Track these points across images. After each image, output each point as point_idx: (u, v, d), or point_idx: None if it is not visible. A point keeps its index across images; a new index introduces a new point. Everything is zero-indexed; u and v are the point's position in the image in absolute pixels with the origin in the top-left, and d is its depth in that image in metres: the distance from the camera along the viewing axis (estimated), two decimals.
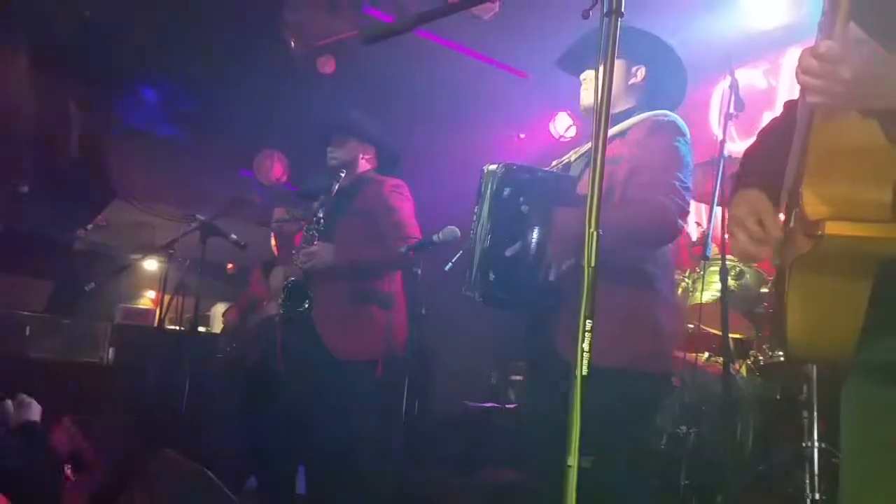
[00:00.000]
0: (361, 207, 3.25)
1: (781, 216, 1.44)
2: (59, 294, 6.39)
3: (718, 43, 4.14)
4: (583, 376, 1.22)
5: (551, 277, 2.07)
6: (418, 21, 1.65)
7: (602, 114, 1.34)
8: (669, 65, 2.39)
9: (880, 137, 1.19)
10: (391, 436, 3.41)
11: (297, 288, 3.19)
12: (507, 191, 2.12)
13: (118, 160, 6.64)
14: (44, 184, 6.27)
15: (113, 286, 6.52)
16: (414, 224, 3.23)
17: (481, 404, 4.74)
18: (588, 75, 2.40)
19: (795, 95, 1.37)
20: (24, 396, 2.76)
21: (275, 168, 6.67)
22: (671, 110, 2.34)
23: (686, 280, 3.62)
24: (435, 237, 2.92)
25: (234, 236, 4.34)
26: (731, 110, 3.28)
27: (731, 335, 3.11)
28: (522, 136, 5.89)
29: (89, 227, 6.77)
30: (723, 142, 3.25)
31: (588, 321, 1.24)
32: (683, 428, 3.27)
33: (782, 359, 3.25)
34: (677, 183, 2.16)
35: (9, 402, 2.70)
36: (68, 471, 2.74)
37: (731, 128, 3.44)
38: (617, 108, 2.27)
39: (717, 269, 3.28)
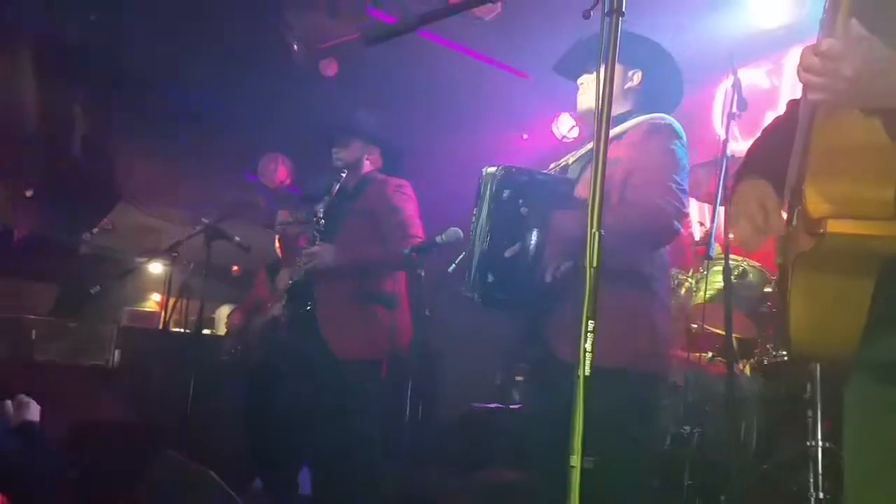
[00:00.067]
0: (364, 207, 3.25)
1: (784, 214, 1.44)
2: (65, 297, 6.41)
3: (721, 42, 4.13)
4: (585, 377, 1.23)
5: (549, 279, 2.08)
6: (420, 22, 1.65)
7: (603, 113, 1.35)
8: (666, 69, 2.41)
9: (882, 135, 1.18)
10: (396, 436, 3.42)
11: (299, 288, 3.20)
12: (506, 193, 2.13)
13: (123, 164, 6.68)
14: (49, 187, 6.31)
15: (118, 289, 6.54)
16: (417, 224, 3.23)
17: (486, 405, 4.74)
18: (585, 79, 2.42)
19: (798, 95, 1.37)
20: (23, 397, 2.77)
21: (279, 171, 6.69)
22: (668, 114, 2.36)
23: (689, 280, 3.62)
24: (438, 238, 2.92)
25: (238, 239, 4.36)
26: (734, 110, 3.27)
27: (734, 335, 3.11)
28: (525, 136, 5.91)
29: (95, 230, 6.79)
30: (725, 141, 3.24)
31: (590, 322, 1.25)
32: (687, 428, 3.27)
33: (786, 358, 3.24)
34: (674, 185, 2.18)
35: (8, 403, 2.72)
36: None
37: (734, 127, 3.44)
38: (614, 112, 2.26)
39: (720, 268, 3.28)
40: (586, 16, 1.45)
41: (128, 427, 4.26)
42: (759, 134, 1.70)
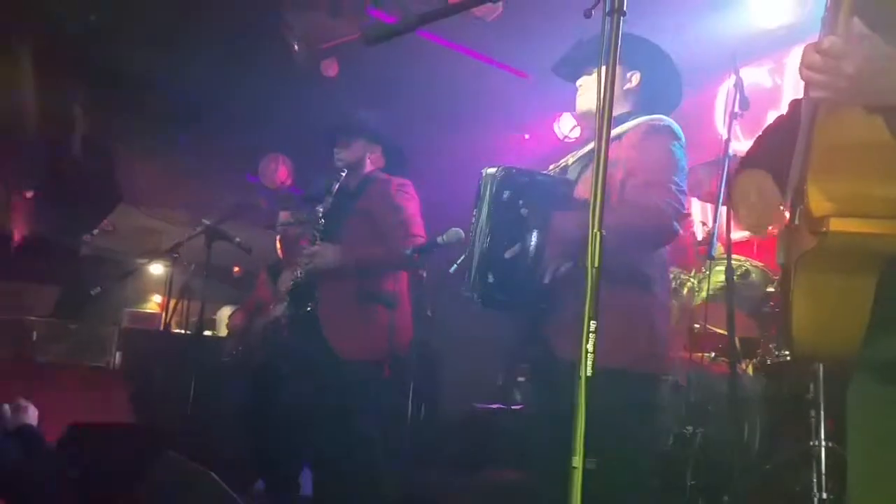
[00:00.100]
0: (366, 207, 3.25)
1: (786, 213, 1.44)
2: (66, 299, 6.41)
3: (723, 42, 4.15)
4: (587, 377, 1.22)
5: (548, 280, 2.09)
6: (420, 22, 1.65)
7: (604, 113, 1.35)
8: (664, 70, 2.42)
9: (885, 133, 1.19)
10: (397, 437, 3.42)
11: (300, 289, 3.20)
12: (506, 194, 2.14)
13: (124, 165, 6.68)
14: (50, 189, 6.31)
15: (119, 291, 6.54)
16: (419, 223, 3.23)
17: (487, 405, 4.74)
18: (584, 81, 2.43)
19: (801, 94, 1.37)
20: (21, 400, 2.77)
21: (279, 172, 6.70)
22: (667, 115, 2.36)
23: (692, 280, 3.62)
24: (439, 239, 2.93)
25: (239, 240, 4.36)
26: (736, 109, 3.27)
27: (737, 335, 3.11)
28: (527, 136, 5.91)
29: (95, 231, 6.80)
30: (728, 141, 3.24)
31: (592, 322, 1.24)
32: (690, 428, 3.27)
33: (788, 358, 3.24)
34: (673, 186, 2.18)
35: (6, 407, 2.71)
36: None
37: (736, 127, 3.44)
38: (613, 113, 2.28)
39: (722, 268, 3.27)
40: (587, 15, 1.45)
41: (129, 428, 4.26)
42: (760, 133, 1.70)
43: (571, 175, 2.33)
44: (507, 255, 2.11)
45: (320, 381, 3.16)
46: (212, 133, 6.11)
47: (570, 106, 2.51)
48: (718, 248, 3.30)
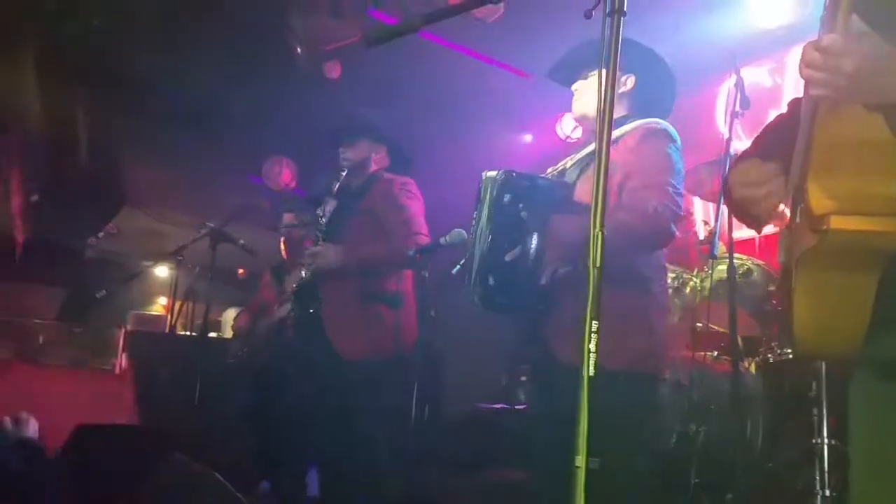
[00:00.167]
0: (370, 206, 3.25)
1: (787, 211, 1.45)
2: (71, 302, 6.45)
3: (723, 42, 4.15)
4: (589, 377, 1.23)
5: (545, 282, 2.11)
6: (421, 23, 1.66)
7: (605, 114, 1.37)
8: (658, 74, 2.43)
9: (885, 131, 1.19)
10: (402, 437, 3.42)
11: (304, 290, 3.21)
12: (507, 197, 2.15)
13: (128, 168, 6.71)
14: (55, 192, 6.33)
15: (124, 293, 6.57)
16: (422, 222, 3.23)
17: (491, 405, 4.75)
18: (579, 85, 2.44)
19: (801, 93, 1.37)
20: (23, 413, 2.78)
21: (283, 174, 6.72)
22: (661, 118, 2.37)
23: (694, 279, 3.63)
24: (442, 240, 2.94)
25: (243, 242, 4.38)
26: (737, 109, 3.29)
27: (739, 334, 3.12)
28: (529, 137, 5.92)
29: (100, 235, 6.82)
30: (729, 140, 3.26)
31: (594, 322, 1.25)
32: (693, 427, 3.27)
33: (791, 356, 3.25)
34: (670, 189, 2.20)
35: (7, 420, 2.72)
36: None
37: (737, 126, 3.45)
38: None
39: (724, 267, 3.28)
40: (588, 16, 1.45)
41: (135, 430, 4.28)
42: (759, 132, 1.71)
43: (569, 178, 2.35)
44: (508, 257, 2.12)
45: (325, 382, 3.17)
46: (215, 135, 6.12)
47: (571, 106, 2.53)
48: (720, 247, 3.31)
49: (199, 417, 3.95)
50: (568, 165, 2.41)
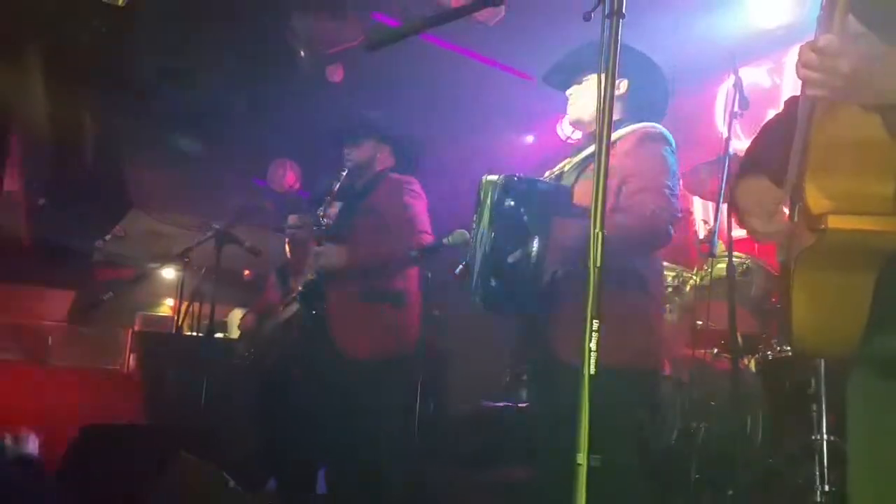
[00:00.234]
0: (373, 205, 3.26)
1: (786, 210, 1.46)
2: (80, 304, 6.48)
3: (722, 42, 4.16)
4: (590, 375, 1.24)
5: (550, 284, 2.14)
6: (422, 27, 1.68)
7: (604, 114, 1.39)
8: (650, 77, 2.45)
9: (881, 131, 1.20)
10: (407, 434, 3.45)
11: (310, 290, 3.24)
12: (508, 201, 2.18)
13: (134, 171, 6.75)
14: (62, 196, 6.38)
15: (131, 295, 6.61)
16: (425, 221, 3.23)
17: (495, 403, 4.77)
18: (574, 90, 2.47)
19: (799, 93, 1.39)
20: (23, 431, 2.80)
21: (287, 176, 6.75)
22: (656, 121, 2.40)
23: (694, 277, 3.65)
24: (445, 240, 2.95)
25: (248, 243, 4.41)
26: (736, 109, 3.30)
27: (738, 331, 3.14)
28: (531, 138, 5.94)
29: (107, 237, 6.86)
30: (728, 140, 3.28)
31: (595, 321, 1.27)
32: (693, 423, 3.29)
33: (790, 353, 3.27)
34: (667, 191, 2.23)
35: (7, 437, 2.74)
36: None
37: (736, 126, 3.48)
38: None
39: (724, 265, 3.30)
40: (587, 18, 1.47)
41: (143, 429, 4.32)
42: (757, 133, 1.73)
43: (567, 181, 2.37)
44: (511, 259, 2.15)
45: (330, 381, 3.18)
46: (220, 138, 6.17)
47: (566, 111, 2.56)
48: (720, 246, 3.34)
49: (206, 417, 3.98)
50: (566, 169, 2.43)
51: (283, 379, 3.90)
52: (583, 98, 2.44)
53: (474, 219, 2.34)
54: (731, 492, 3.03)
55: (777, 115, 1.69)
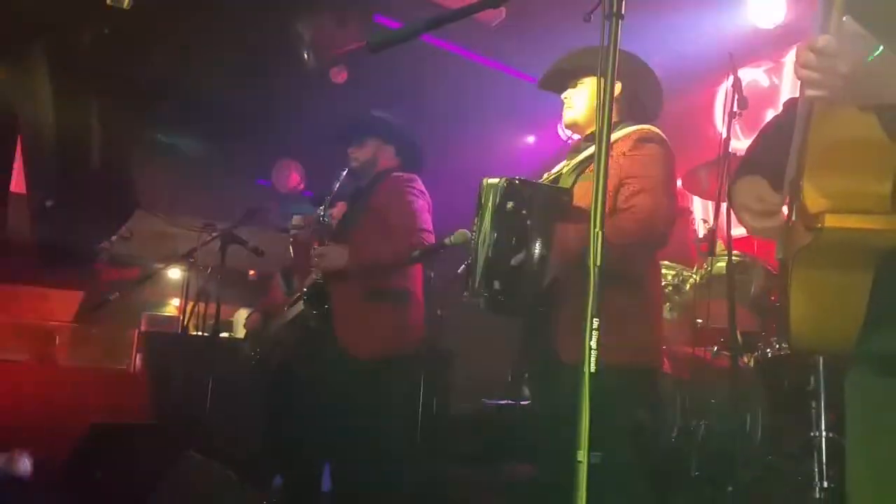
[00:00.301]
0: (375, 204, 3.26)
1: (784, 209, 1.47)
2: (87, 304, 6.53)
3: (721, 42, 4.17)
4: (590, 373, 1.25)
5: (552, 285, 2.15)
6: (423, 28, 1.68)
7: (604, 115, 1.40)
8: (644, 80, 2.46)
9: (879, 131, 1.22)
10: (410, 433, 3.47)
11: (315, 290, 3.26)
12: (510, 204, 2.19)
13: (139, 172, 6.79)
14: (68, 197, 6.42)
15: (138, 295, 6.64)
16: (427, 219, 3.22)
17: (497, 402, 4.79)
18: (569, 94, 2.48)
19: (798, 93, 1.39)
20: (16, 452, 2.79)
21: (291, 177, 6.79)
22: (650, 123, 2.41)
23: (694, 276, 3.67)
24: (447, 240, 2.97)
25: (251, 244, 4.44)
26: (735, 109, 3.32)
27: (738, 330, 3.17)
28: (531, 139, 5.96)
29: (113, 238, 6.90)
30: (727, 139, 3.30)
31: (595, 319, 1.28)
32: (693, 421, 3.31)
33: (789, 351, 3.29)
34: (663, 192, 2.25)
35: (1, 457, 2.73)
36: None
37: (735, 126, 3.50)
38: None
39: (723, 264, 3.33)
40: (587, 19, 1.48)
41: (150, 428, 4.35)
42: (757, 134, 1.75)
43: (564, 184, 2.39)
44: (514, 262, 2.16)
45: (334, 380, 3.19)
46: (225, 139, 6.21)
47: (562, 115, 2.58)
48: (719, 245, 3.37)
49: (212, 415, 4.01)
50: (563, 171, 2.45)
51: (288, 378, 3.93)
52: (577, 102, 2.46)
53: (475, 221, 2.35)
54: (730, 489, 3.04)
55: (775, 117, 1.71)
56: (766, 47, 4.54)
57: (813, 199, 1.25)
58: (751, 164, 1.64)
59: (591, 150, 2.30)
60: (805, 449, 2.98)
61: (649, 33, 2.56)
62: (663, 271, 3.58)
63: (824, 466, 2.87)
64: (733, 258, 3.16)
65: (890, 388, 1.32)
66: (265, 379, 4.30)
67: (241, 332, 5.43)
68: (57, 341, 5.20)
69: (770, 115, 1.81)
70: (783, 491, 3.07)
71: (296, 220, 4.43)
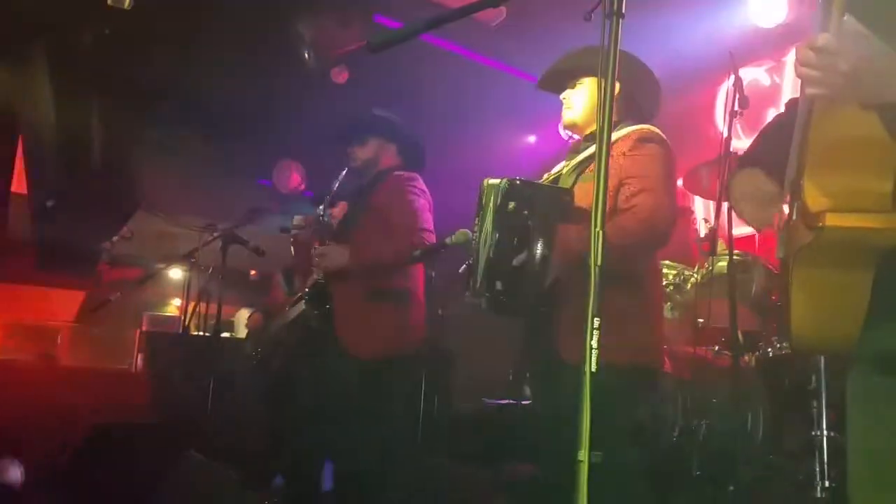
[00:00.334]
0: (376, 203, 3.26)
1: (785, 208, 1.47)
2: (88, 304, 6.54)
3: (722, 41, 4.16)
4: (591, 373, 1.26)
5: (553, 285, 2.16)
6: (424, 28, 1.67)
7: (604, 116, 1.40)
8: (642, 80, 2.46)
9: (880, 129, 1.21)
10: (411, 433, 3.48)
11: (316, 290, 3.26)
12: (511, 205, 2.19)
13: (141, 173, 6.80)
14: (70, 198, 6.43)
15: (139, 295, 6.65)
16: (428, 218, 3.22)
17: (498, 401, 4.80)
18: (568, 94, 2.48)
19: (799, 93, 1.39)
20: (7, 459, 2.78)
21: (292, 177, 6.79)
22: (648, 123, 2.41)
23: (695, 275, 3.67)
24: (448, 240, 2.97)
25: (252, 244, 4.45)
26: (736, 108, 3.32)
27: (739, 329, 3.17)
28: (532, 138, 5.96)
29: (115, 238, 6.92)
30: (728, 139, 3.30)
31: (595, 319, 1.28)
32: (695, 420, 3.30)
33: (790, 351, 3.29)
34: (664, 192, 2.25)
35: None
36: None
37: (736, 125, 3.50)
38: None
39: (724, 263, 3.33)
40: (587, 18, 1.48)
41: (151, 428, 4.36)
42: (759, 132, 1.75)
43: (564, 184, 2.39)
44: (516, 262, 2.16)
45: (335, 380, 3.20)
46: (226, 139, 6.21)
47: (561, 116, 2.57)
48: (721, 244, 3.37)
49: (213, 415, 4.02)
50: (563, 171, 2.45)
51: (290, 377, 3.93)
52: (576, 102, 2.46)
53: (476, 222, 2.35)
54: (732, 488, 3.05)
55: (777, 116, 1.71)
56: (767, 46, 4.54)
57: (814, 198, 1.25)
58: (750, 160, 1.65)
59: (591, 150, 2.30)
60: (806, 448, 2.98)
61: (649, 33, 2.55)
62: (664, 271, 3.59)
63: (825, 466, 2.87)
64: (734, 257, 3.17)
65: (891, 387, 1.32)
66: (266, 379, 4.31)
67: (242, 333, 5.45)
68: (58, 341, 5.21)
69: (771, 114, 1.82)
70: (784, 490, 3.08)
71: (297, 219, 4.44)
